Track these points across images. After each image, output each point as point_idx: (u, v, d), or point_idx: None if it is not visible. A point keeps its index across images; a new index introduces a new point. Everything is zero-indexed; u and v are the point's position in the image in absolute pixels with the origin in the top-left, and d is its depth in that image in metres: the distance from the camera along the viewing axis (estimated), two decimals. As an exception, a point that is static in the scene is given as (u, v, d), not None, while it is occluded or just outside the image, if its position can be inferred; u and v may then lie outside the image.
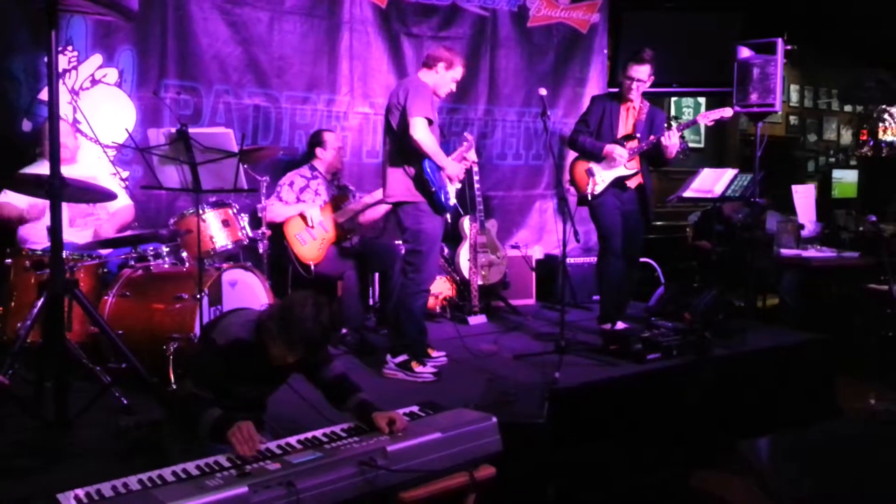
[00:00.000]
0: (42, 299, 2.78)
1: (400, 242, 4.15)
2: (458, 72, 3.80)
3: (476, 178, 5.11)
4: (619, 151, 4.25)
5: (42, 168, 3.15)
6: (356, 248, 4.53)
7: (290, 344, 2.30)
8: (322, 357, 2.53)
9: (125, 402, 2.99)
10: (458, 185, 3.90)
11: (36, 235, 3.68)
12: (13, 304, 3.38)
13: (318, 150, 4.58)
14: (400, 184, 3.70)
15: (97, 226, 3.86)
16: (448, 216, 3.96)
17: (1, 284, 3.44)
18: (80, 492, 1.96)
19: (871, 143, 10.15)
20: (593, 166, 4.32)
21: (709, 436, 3.64)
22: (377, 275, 4.75)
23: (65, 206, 3.59)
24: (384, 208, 4.43)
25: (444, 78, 3.78)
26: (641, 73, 4.26)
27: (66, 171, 2.86)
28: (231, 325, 2.40)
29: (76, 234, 3.76)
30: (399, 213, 3.76)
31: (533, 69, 5.91)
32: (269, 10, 4.76)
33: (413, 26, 5.34)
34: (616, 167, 4.32)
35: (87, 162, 4.04)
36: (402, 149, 3.67)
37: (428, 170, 3.63)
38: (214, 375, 2.35)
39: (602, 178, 4.32)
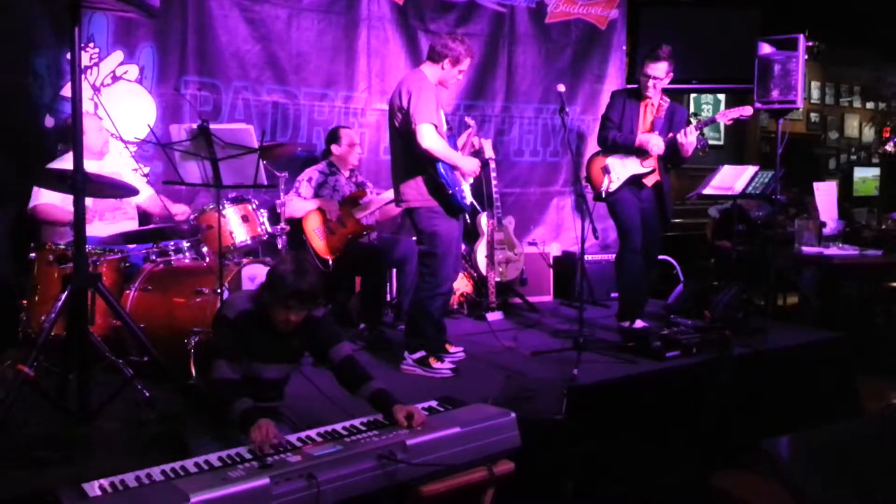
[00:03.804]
0: (66, 293, 2.81)
1: (414, 238, 4.15)
2: (465, 65, 3.72)
3: (493, 174, 5.11)
4: (654, 140, 4.20)
5: (69, 163, 3.18)
6: (373, 244, 4.55)
7: (283, 301, 2.40)
8: (330, 336, 2.60)
9: (147, 394, 3.02)
10: (472, 180, 3.88)
11: (59, 230, 3.73)
12: (37, 297, 3.42)
13: (334, 147, 4.60)
14: (414, 189, 3.65)
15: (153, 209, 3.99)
16: (466, 215, 3.93)
17: (25, 278, 3.49)
18: (105, 482, 1.98)
19: (894, 140, 10.01)
20: (610, 163, 4.30)
21: (729, 434, 3.62)
22: (394, 271, 4.76)
23: (94, 200, 3.66)
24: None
25: (451, 73, 3.70)
26: (658, 70, 4.22)
27: (93, 166, 2.89)
28: (237, 298, 2.55)
29: (104, 227, 3.81)
30: (414, 216, 3.73)
31: (551, 65, 5.89)
32: (288, 7, 4.78)
33: (431, 23, 5.34)
34: (632, 165, 4.29)
35: (112, 158, 4.09)
36: (411, 154, 3.62)
37: (442, 172, 3.59)
38: (235, 349, 2.43)
39: (617, 175, 4.29)
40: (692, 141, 4.18)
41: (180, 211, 4.04)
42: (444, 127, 3.75)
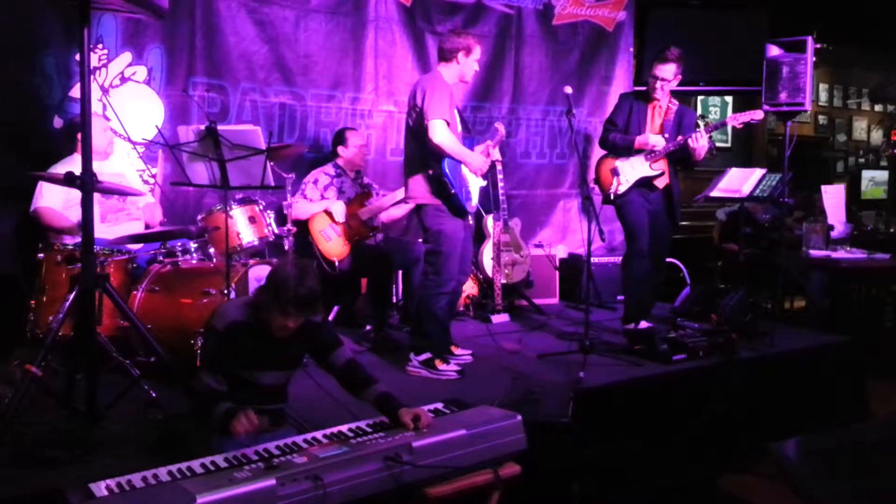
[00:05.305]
0: (73, 293, 2.82)
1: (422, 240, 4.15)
2: (478, 53, 3.75)
3: (500, 176, 5.11)
4: (653, 139, 4.20)
5: (74, 164, 3.20)
6: (379, 246, 4.55)
7: (282, 308, 2.34)
8: (329, 341, 2.58)
9: (154, 394, 3.02)
10: (483, 182, 3.87)
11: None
12: (45, 297, 3.43)
13: (340, 148, 4.61)
14: (420, 186, 3.68)
15: (147, 218, 3.94)
16: (470, 218, 3.93)
17: (33, 279, 3.50)
18: (112, 482, 1.99)
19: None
20: (619, 166, 4.29)
21: (735, 438, 3.60)
22: (400, 272, 4.76)
23: (96, 202, 3.66)
24: (407, 206, 4.43)
25: (468, 65, 3.73)
26: (666, 72, 4.21)
27: (97, 167, 2.90)
28: (227, 309, 2.49)
29: (107, 229, 3.81)
30: (421, 213, 3.75)
31: (558, 67, 5.89)
32: (296, 8, 4.79)
33: (438, 24, 5.34)
34: (641, 167, 4.28)
35: (117, 158, 4.10)
36: (422, 151, 3.65)
37: (447, 171, 3.60)
38: (222, 361, 2.40)
39: (626, 177, 4.28)
40: (704, 144, 4.16)
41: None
42: (459, 127, 3.76)
